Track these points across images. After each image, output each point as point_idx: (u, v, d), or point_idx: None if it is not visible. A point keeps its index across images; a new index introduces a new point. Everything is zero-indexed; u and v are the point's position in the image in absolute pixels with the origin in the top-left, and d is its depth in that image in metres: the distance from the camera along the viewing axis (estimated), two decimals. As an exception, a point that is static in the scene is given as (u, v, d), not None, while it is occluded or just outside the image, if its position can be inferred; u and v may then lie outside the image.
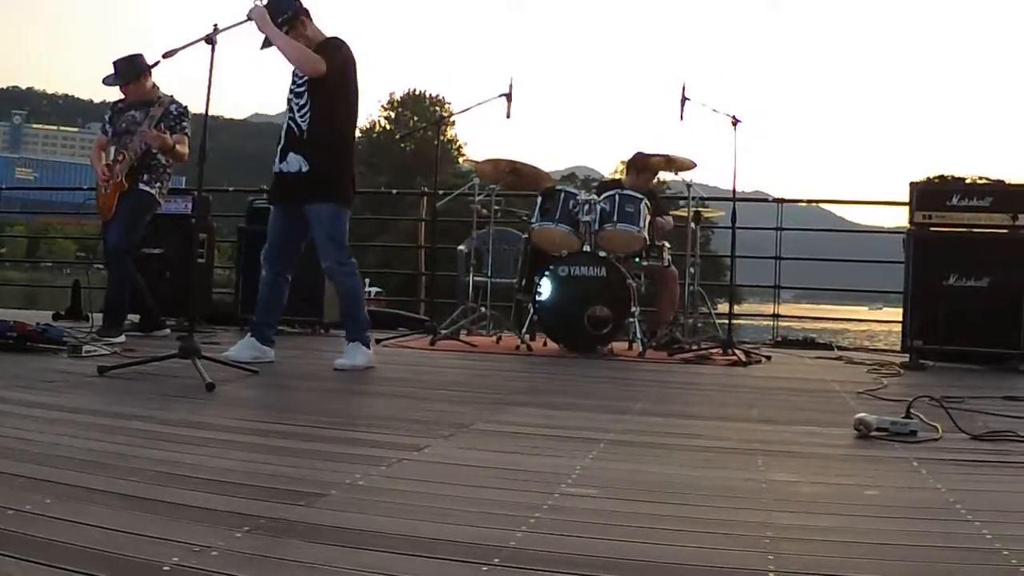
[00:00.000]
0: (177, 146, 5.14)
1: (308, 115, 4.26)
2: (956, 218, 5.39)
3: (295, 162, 4.26)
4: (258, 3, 4.18)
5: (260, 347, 4.37)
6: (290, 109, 4.32)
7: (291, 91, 4.33)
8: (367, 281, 13.28)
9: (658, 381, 4.47)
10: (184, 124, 5.19)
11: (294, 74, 4.32)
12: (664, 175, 7.31)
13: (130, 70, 5.18)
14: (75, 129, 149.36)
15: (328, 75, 4.23)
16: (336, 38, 4.34)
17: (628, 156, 6.52)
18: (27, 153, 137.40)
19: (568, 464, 2.21)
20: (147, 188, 5.18)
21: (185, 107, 5.18)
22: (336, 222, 4.31)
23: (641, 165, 6.26)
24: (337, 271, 4.35)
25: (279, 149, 4.33)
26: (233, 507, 1.69)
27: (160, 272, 6.10)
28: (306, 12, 4.30)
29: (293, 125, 4.28)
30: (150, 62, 5.15)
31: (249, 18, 4.07)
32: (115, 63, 5.23)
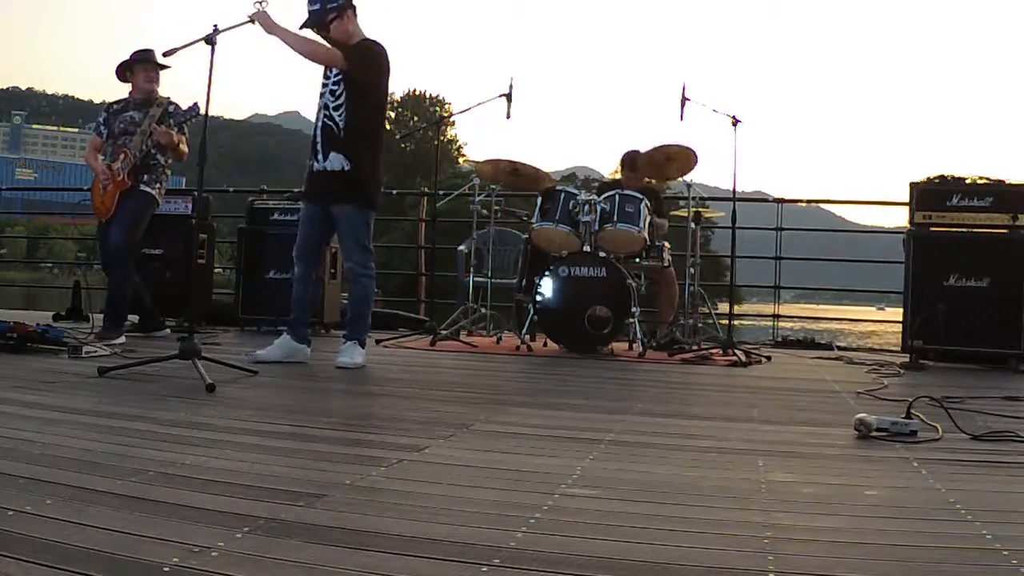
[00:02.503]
0: (180, 144, 5.15)
1: (344, 113, 4.31)
2: (956, 218, 5.40)
3: (337, 161, 4.31)
4: (260, 6, 4.20)
5: (295, 345, 4.42)
6: (324, 107, 4.34)
7: (325, 89, 4.36)
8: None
9: (658, 381, 4.47)
10: (191, 119, 5.19)
11: (326, 72, 4.38)
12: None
13: (150, 56, 5.25)
14: (75, 130, 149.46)
15: (365, 73, 4.31)
16: (376, 41, 4.40)
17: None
18: (27, 154, 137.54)
19: (568, 464, 2.21)
20: (148, 188, 5.19)
21: (194, 104, 5.16)
22: (365, 225, 4.40)
23: (633, 162, 6.27)
24: (359, 272, 4.42)
25: (318, 148, 4.35)
26: (233, 507, 1.69)
27: (160, 272, 6.11)
28: (353, 7, 4.38)
29: (331, 123, 4.31)
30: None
31: (252, 20, 4.08)
32: (134, 53, 5.28)
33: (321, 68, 4.42)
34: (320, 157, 4.35)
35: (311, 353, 4.52)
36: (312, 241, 4.50)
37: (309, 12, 4.32)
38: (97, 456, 2.10)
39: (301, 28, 4.31)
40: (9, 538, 1.43)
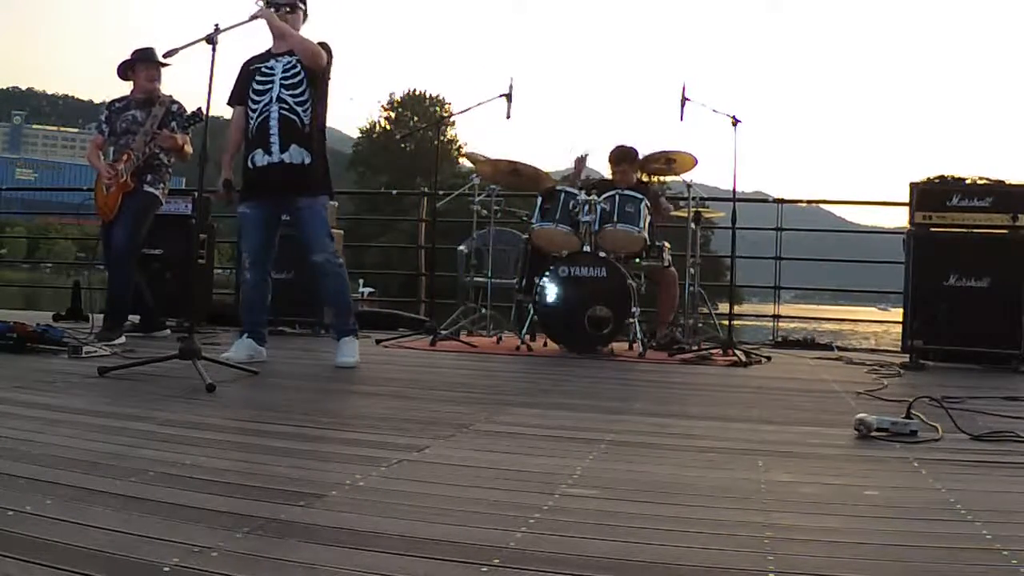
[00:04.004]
0: (184, 146, 5.14)
1: (309, 108, 4.34)
2: (956, 218, 5.39)
3: (298, 154, 4.31)
4: (261, 3, 4.21)
5: (256, 347, 4.42)
6: (279, 100, 4.30)
7: (271, 79, 4.34)
8: (360, 281, 13.32)
9: (658, 381, 4.47)
10: (196, 123, 5.17)
11: (267, 64, 4.37)
12: (664, 176, 7.32)
13: (151, 54, 5.22)
14: (75, 130, 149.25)
15: (328, 73, 4.42)
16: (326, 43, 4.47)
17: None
18: (27, 153, 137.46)
19: (568, 465, 2.21)
20: (151, 189, 5.19)
21: (198, 109, 5.13)
22: (327, 216, 4.45)
23: (620, 158, 6.26)
24: (332, 263, 4.41)
25: (272, 139, 4.29)
26: (233, 508, 1.69)
27: (160, 272, 6.10)
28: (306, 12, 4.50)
29: (293, 117, 4.30)
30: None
31: (257, 17, 4.11)
32: (136, 51, 5.26)
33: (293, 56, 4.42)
34: (276, 149, 4.30)
35: (309, 353, 4.52)
36: (268, 244, 4.48)
37: None
38: (97, 456, 2.10)
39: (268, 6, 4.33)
40: (9, 538, 1.43)
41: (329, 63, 4.42)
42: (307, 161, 4.31)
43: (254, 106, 4.37)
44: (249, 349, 4.38)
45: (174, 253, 6.21)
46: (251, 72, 4.42)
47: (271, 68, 4.37)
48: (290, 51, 4.35)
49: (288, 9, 4.37)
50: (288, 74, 4.34)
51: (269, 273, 4.51)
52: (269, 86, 4.34)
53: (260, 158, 4.34)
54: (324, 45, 4.41)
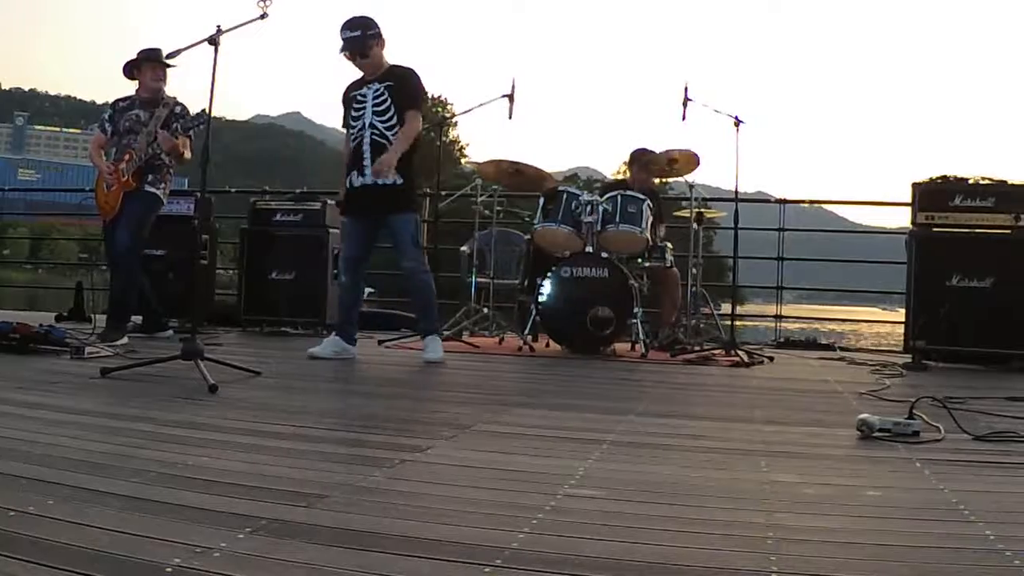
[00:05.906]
0: (184, 150, 5.13)
1: (399, 133, 4.60)
2: (959, 218, 5.38)
3: (390, 175, 4.57)
4: (262, 6, 4.20)
5: (343, 344, 4.70)
6: (371, 126, 4.60)
7: (363, 106, 4.64)
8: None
9: (661, 382, 4.47)
10: (199, 126, 5.16)
11: (361, 92, 4.68)
12: (667, 176, 7.31)
13: (157, 55, 5.22)
14: (78, 131, 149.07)
15: (418, 104, 4.76)
16: (410, 68, 4.78)
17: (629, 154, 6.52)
18: (30, 154, 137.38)
19: (571, 465, 2.21)
20: (153, 189, 5.18)
21: (202, 111, 5.12)
22: (419, 228, 4.80)
23: (643, 160, 6.26)
24: (419, 270, 4.72)
25: (365, 163, 4.59)
26: (235, 508, 1.69)
27: (163, 273, 6.10)
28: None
29: (384, 142, 4.59)
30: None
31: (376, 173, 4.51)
32: (142, 51, 5.26)
33: (351, 79, 4.78)
34: (369, 172, 4.58)
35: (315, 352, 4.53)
36: (362, 254, 4.79)
37: (346, 39, 4.64)
38: (99, 457, 2.11)
39: (340, 53, 4.66)
40: (11, 538, 1.43)
41: (421, 98, 4.76)
42: (398, 182, 4.58)
43: (351, 131, 4.70)
44: (336, 346, 4.68)
45: (177, 254, 6.22)
46: (349, 99, 4.73)
47: (363, 95, 4.66)
48: (378, 79, 4.65)
49: (374, 42, 4.65)
50: (377, 101, 4.63)
51: (362, 278, 4.84)
52: (362, 111, 4.65)
53: (356, 179, 4.65)
54: (413, 81, 4.72)
